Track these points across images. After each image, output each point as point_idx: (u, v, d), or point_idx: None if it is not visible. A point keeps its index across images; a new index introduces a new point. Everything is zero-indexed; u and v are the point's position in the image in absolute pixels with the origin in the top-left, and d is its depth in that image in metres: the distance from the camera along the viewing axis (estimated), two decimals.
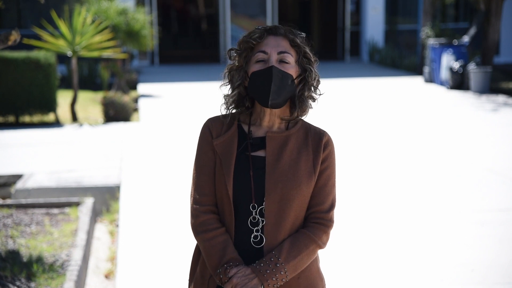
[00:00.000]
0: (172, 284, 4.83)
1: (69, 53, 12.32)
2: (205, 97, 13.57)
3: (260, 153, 2.45)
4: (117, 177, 7.68)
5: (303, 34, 2.47)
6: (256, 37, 2.43)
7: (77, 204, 6.58)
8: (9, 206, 6.53)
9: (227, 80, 2.50)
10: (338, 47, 22.42)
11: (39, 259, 5.01)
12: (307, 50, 2.46)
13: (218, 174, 2.43)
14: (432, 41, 16.13)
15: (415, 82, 16.59)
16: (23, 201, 6.68)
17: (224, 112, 2.51)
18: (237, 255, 2.39)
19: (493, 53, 15.85)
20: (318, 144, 2.46)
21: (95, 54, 12.54)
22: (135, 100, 13.80)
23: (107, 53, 12.79)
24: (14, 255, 5.09)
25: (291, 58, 2.42)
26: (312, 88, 2.48)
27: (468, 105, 13.11)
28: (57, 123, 11.86)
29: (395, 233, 5.87)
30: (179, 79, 17.18)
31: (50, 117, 12.24)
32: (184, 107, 12.98)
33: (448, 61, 15.33)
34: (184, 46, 25.53)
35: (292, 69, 2.42)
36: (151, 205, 6.72)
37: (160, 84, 16.25)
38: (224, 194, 2.42)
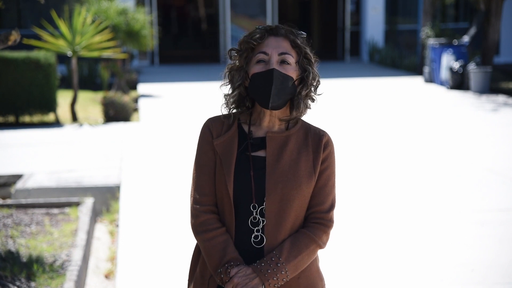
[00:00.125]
0: (172, 284, 4.83)
1: (69, 53, 12.32)
2: (205, 97, 13.57)
3: (260, 153, 2.45)
4: (117, 177, 7.68)
5: (304, 34, 2.47)
6: (257, 38, 2.43)
7: (77, 204, 6.58)
8: (9, 206, 6.53)
9: (227, 80, 2.50)
10: (338, 47, 22.43)
11: (39, 259, 5.01)
12: (308, 50, 2.46)
13: (218, 174, 2.43)
14: (432, 41, 16.13)
15: (415, 82, 16.59)
16: (23, 201, 6.68)
17: (225, 112, 2.51)
18: (238, 255, 2.39)
19: (493, 53, 15.86)
20: (318, 144, 2.46)
21: (95, 54, 12.54)
22: (135, 100, 13.81)
23: (107, 53, 12.79)
24: (14, 255, 5.09)
25: (291, 59, 2.43)
26: (312, 88, 2.48)
27: (468, 105, 13.11)
28: (57, 123, 11.86)
29: (395, 233, 5.87)
30: (179, 79, 17.19)
31: (50, 117, 12.24)
32: (184, 107, 12.98)
33: (448, 61, 15.33)
34: (184, 46, 25.53)
35: (292, 70, 2.43)
36: (151, 205, 6.72)
37: (160, 84, 16.25)
38: (224, 194, 2.42)
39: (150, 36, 15.11)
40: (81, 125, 11.65)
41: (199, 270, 2.50)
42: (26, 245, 5.41)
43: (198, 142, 2.51)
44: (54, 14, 12.90)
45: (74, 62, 12.43)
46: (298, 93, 2.44)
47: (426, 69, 16.47)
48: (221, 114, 2.54)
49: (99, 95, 13.76)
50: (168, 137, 10.12)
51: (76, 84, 12.25)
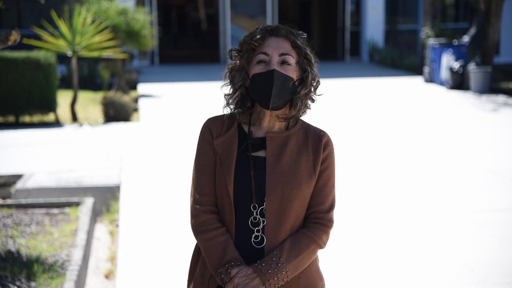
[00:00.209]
0: (172, 284, 4.83)
1: (69, 53, 12.32)
2: (205, 97, 13.57)
3: (260, 153, 2.45)
4: (117, 177, 7.68)
5: (304, 35, 2.48)
6: (257, 38, 2.43)
7: (77, 204, 6.58)
8: (9, 206, 6.53)
9: (228, 80, 2.51)
10: (338, 47, 22.43)
11: (39, 259, 5.01)
12: (308, 51, 2.46)
13: (218, 174, 2.44)
14: (432, 41, 16.13)
15: (415, 82, 16.59)
16: (23, 201, 6.68)
17: (226, 112, 2.52)
18: (238, 255, 2.39)
19: (493, 53, 15.86)
20: (318, 144, 2.47)
21: (95, 54, 12.54)
22: (135, 100, 13.81)
23: (107, 53, 12.79)
24: (14, 255, 5.09)
25: (292, 60, 2.43)
26: (312, 88, 2.49)
27: (468, 105, 13.11)
28: (57, 123, 11.86)
29: (395, 233, 5.87)
30: (179, 79, 17.19)
31: (50, 117, 12.24)
32: (184, 107, 12.98)
33: (448, 61, 15.33)
34: (184, 46, 25.53)
35: (292, 71, 2.43)
36: (151, 205, 6.72)
37: (160, 84, 16.25)
38: (224, 194, 2.42)
39: (150, 36, 15.11)
40: (81, 125, 11.65)
41: (199, 270, 2.50)
42: (26, 245, 5.41)
43: (198, 142, 2.51)
44: (54, 14, 12.90)
45: (74, 62, 12.43)
46: (298, 93, 2.44)
47: (426, 69, 16.47)
48: (220, 114, 2.54)
49: (99, 95, 13.76)
50: (168, 137, 10.12)
51: (76, 84, 12.25)
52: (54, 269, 4.87)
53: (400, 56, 19.71)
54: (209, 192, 2.45)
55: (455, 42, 15.91)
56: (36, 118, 12.13)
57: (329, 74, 17.26)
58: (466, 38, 16.66)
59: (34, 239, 5.59)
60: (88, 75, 17.07)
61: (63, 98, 13.77)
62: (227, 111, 2.52)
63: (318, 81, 2.51)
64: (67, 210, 6.43)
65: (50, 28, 12.82)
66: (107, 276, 5.46)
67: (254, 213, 2.41)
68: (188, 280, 2.56)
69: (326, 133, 2.51)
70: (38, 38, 13.37)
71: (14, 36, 4.81)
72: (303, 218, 2.45)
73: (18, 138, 10.32)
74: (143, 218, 6.32)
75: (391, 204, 6.69)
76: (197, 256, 2.52)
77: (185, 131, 10.37)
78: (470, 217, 6.19)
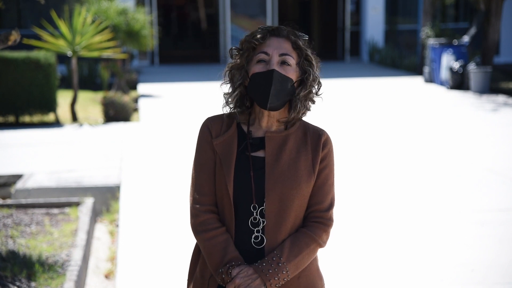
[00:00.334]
0: (172, 284, 4.83)
1: (69, 53, 12.32)
2: (205, 97, 13.57)
3: (260, 153, 2.45)
4: (117, 177, 7.68)
5: (306, 37, 2.48)
6: (258, 38, 2.43)
7: (77, 204, 6.58)
8: (9, 206, 6.53)
9: (228, 79, 2.51)
10: (338, 47, 22.42)
11: (39, 259, 5.01)
12: (309, 52, 2.46)
13: (218, 174, 2.44)
14: (432, 41, 16.13)
15: (415, 82, 16.59)
16: (23, 201, 6.68)
17: (226, 111, 2.52)
18: (238, 254, 2.39)
19: (493, 53, 15.85)
20: (317, 143, 2.47)
21: (95, 54, 12.54)
22: (135, 100, 13.81)
23: (107, 53, 12.79)
24: (14, 255, 5.09)
25: (292, 61, 2.43)
26: (313, 90, 2.48)
27: (468, 105, 13.11)
28: (57, 123, 11.86)
29: (395, 233, 5.87)
30: (179, 79, 17.19)
31: (50, 117, 12.24)
32: (184, 107, 12.98)
33: (448, 61, 15.33)
34: (184, 46, 25.54)
35: (292, 72, 2.43)
36: (151, 205, 6.72)
37: (160, 84, 16.25)
38: (224, 194, 2.42)
39: (150, 36, 15.11)
40: (81, 125, 11.65)
41: (199, 270, 2.50)
42: (26, 245, 5.41)
43: (197, 141, 2.51)
44: (54, 14, 12.90)
45: (74, 62, 12.43)
46: (297, 94, 2.44)
47: (426, 69, 16.47)
48: (219, 113, 2.54)
49: (99, 95, 13.76)
50: (168, 137, 10.12)
51: (76, 84, 12.25)
52: (54, 269, 4.87)
53: (400, 56, 19.70)
54: (208, 192, 2.45)
55: (455, 42, 15.91)
56: (36, 118, 12.13)
57: (329, 74, 17.25)
58: (466, 38, 16.66)
59: (34, 239, 5.59)
60: (88, 75, 17.07)
61: (63, 98, 13.77)
62: (226, 110, 2.52)
63: (319, 83, 2.50)
64: (67, 210, 6.43)
65: (50, 28, 12.82)
66: (107, 276, 5.46)
67: (254, 214, 2.41)
68: (188, 280, 2.56)
69: (325, 131, 2.51)
70: (38, 38, 13.37)
71: (14, 36, 4.81)
72: (303, 217, 2.45)
73: (18, 138, 10.32)
74: (143, 218, 6.32)
75: (391, 204, 6.69)
76: (197, 255, 2.52)
77: (185, 131, 10.36)
78: (470, 217, 6.19)
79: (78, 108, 12.94)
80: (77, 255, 5.13)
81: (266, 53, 2.42)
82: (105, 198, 7.20)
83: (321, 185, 2.45)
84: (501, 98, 13.95)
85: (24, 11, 19.60)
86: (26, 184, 7.36)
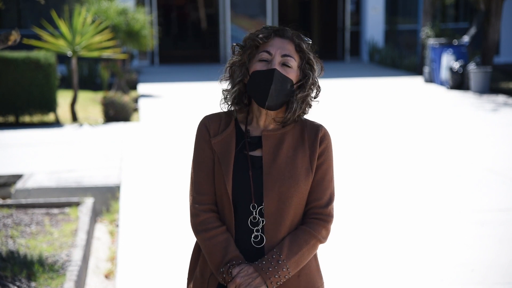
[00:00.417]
0: (172, 283, 4.83)
1: (69, 53, 12.32)
2: (205, 97, 13.57)
3: (257, 152, 2.45)
4: (117, 177, 7.68)
5: (310, 41, 2.48)
6: (262, 37, 2.43)
7: (77, 204, 6.58)
8: (9, 206, 6.53)
9: (228, 75, 2.51)
10: (338, 47, 22.43)
11: (39, 259, 5.01)
12: (311, 56, 2.46)
13: (217, 173, 2.44)
14: (432, 41, 16.13)
15: (415, 82, 16.59)
16: (23, 201, 6.68)
17: (223, 108, 2.52)
18: (239, 253, 2.40)
19: (493, 53, 15.85)
20: (314, 139, 2.46)
21: (95, 54, 12.53)
22: (135, 100, 13.81)
23: (107, 53, 12.79)
24: (14, 255, 5.09)
25: (294, 63, 2.43)
26: (311, 93, 2.48)
27: (468, 105, 13.11)
28: (57, 123, 11.86)
29: (395, 232, 5.87)
30: (179, 79, 17.19)
31: (50, 117, 12.24)
32: (184, 107, 12.98)
33: (448, 61, 15.33)
34: (184, 46, 25.55)
35: (293, 74, 2.43)
36: (151, 205, 6.72)
37: (160, 84, 16.25)
38: (223, 193, 2.42)
39: (150, 36, 15.11)
40: (81, 125, 11.65)
41: (198, 269, 2.50)
42: (26, 245, 5.41)
43: (195, 140, 2.51)
44: (54, 14, 12.90)
45: (74, 62, 12.43)
46: (296, 97, 2.44)
47: (426, 69, 16.47)
48: (217, 112, 2.54)
49: (99, 95, 13.76)
50: (168, 137, 10.12)
51: (76, 84, 12.25)
52: (54, 269, 4.87)
53: (400, 56, 19.70)
54: (208, 191, 2.45)
55: (455, 42, 15.91)
56: (36, 118, 12.13)
57: (329, 74, 17.25)
58: (466, 38, 16.66)
59: (34, 239, 5.59)
60: (88, 75, 17.07)
61: (63, 98, 13.77)
62: (224, 106, 2.51)
63: (319, 88, 2.50)
64: (67, 210, 6.43)
65: (50, 28, 12.82)
66: (107, 276, 5.46)
67: (254, 213, 2.41)
68: (188, 279, 2.56)
69: (322, 126, 2.50)
70: (38, 38, 13.37)
71: (14, 36, 4.81)
72: (302, 214, 2.45)
73: (18, 138, 10.32)
74: (143, 218, 6.32)
75: (391, 204, 6.69)
76: (196, 255, 2.52)
77: (185, 131, 10.36)
78: (470, 217, 6.19)
79: (78, 108, 12.94)
80: (77, 255, 5.13)
81: (268, 53, 2.42)
82: (105, 198, 7.20)
83: (319, 180, 2.45)
84: (501, 98, 13.95)
85: (24, 11, 19.60)
86: (26, 184, 7.36)
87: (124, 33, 14.07)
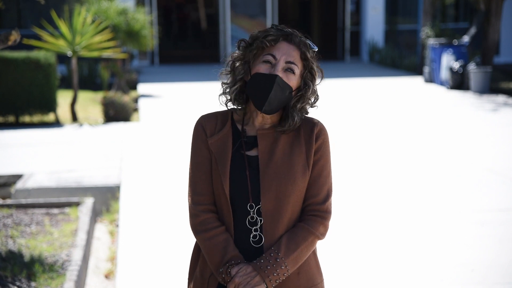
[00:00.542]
0: (172, 284, 4.83)
1: (69, 53, 12.32)
2: (205, 97, 13.57)
3: (254, 151, 2.46)
4: (117, 177, 7.68)
5: (316, 48, 2.48)
6: (270, 40, 2.42)
7: (77, 204, 6.58)
8: (9, 206, 6.53)
9: (229, 69, 2.50)
10: (338, 47, 22.43)
11: (39, 259, 5.01)
12: (314, 66, 2.46)
13: (214, 173, 2.44)
14: (432, 41, 16.13)
15: (415, 82, 16.59)
16: (23, 201, 6.68)
17: (222, 101, 2.51)
18: (238, 253, 2.40)
19: (493, 53, 15.85)
20: (310, 135, 2.46)
21: (95, 54, 12.54)
22: (135, 100, 13.81)
23: (107, 53, 12.79)
24: (14, 255, 5.09)
25: (297, 70, 2.43)
26: (309, 101, 2.48)
27: (468, 105, 13.12)
28: (57, 123, 11.87)
29: (395, 232, 5.87)
30: (179, 79, 17.19)
31: (50, 117, 12.24)
32: (184, 107, 12.98)
33: (448, 61, 15.33)
34: (184, 46, 25.55)
35: (294, 81, 2.43)
36: (151, 205, 6.72)
37: (160, 84, 16.25)
38: (221, 193, 2.42)
39: (150, 36, 15.11)
40: (81, 125, 11.65)
41: (198, 269, 2.50)
42: (26, 245, 5.41)
43: (192, 140, 2.51)
44: (54, 14, 12.90)
45: (74, 62, 12.43)
46: (293, 105, 2.44)
47: (426, 69, 16.47)
48: (213, 111, 2.54)
49: (99, 95, 13.76)
50: (168, 137, 10.12)
51: (76, 84, 12.25)
52: (54, 269, 4.87)
53: (400, 56, 19.70)
54: (206, 191, 2.45)
55: (455, 42, 15.91)
56: (36, 118, 12.13)
57: (329, 74, 17.23)
58: (466, 38, 16.65)
59: (34, 239, 5.59)
60: (88, 75, 17.07)
61: (63, 98, 13.77)
62: (222, 100, 2.51)
63: (317, 97, 2.50)
64: (67, 210, 6.43)
65: (50, 28, 12.82)
66: (107, 276, 5.46)
67: (251, 213, 2.41)
68: (188, 279, 2.56)
69: (318, 122, 2.49)
70: (38, 38, 13.37)
71: (14, 36, 4.81)
72: (300, 211, 2.45)
73: (18, 138, 10.32)
74: (143, 218, 6.33)
75: (391, 204, 6.69)
76: (196, 255, 2.53)
77: (185, 131, 10.36)
78: (470, 217, 6.20)
79: (78, 108, 12.94)
80: (77, 255, 5.13)
81: (274, 57, 2.42)
82: (105, 198, 7.20)
83: (316, 177, 2.44)
84: (501, 98, 13.95)
85: (24, 11, 19.60)
86: (26, 184, 7.36)
87: (124, 33, 14.07)
